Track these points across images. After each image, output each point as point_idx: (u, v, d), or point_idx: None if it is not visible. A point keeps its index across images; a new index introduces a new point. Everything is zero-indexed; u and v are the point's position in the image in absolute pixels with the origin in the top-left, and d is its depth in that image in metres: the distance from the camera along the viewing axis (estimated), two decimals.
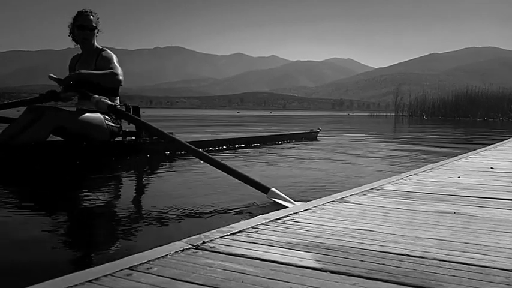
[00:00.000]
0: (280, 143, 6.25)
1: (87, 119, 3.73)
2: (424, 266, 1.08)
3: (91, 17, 3.97)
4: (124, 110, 3.85)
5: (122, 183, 3.39)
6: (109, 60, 3.90)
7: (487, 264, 1.08)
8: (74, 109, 3.89)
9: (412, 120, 26.09)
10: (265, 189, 2.43)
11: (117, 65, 3.89)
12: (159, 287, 0.93)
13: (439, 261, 1.11)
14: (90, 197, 2.68)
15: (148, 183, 3.35)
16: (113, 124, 3.93)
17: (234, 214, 2.16)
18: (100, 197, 2.75)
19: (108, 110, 3.62)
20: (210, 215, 2.19)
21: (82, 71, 3.73)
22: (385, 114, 41.13)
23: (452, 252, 1.18)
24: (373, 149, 6.20)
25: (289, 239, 1.29)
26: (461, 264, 1.08)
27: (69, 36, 4.05)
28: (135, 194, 2.93)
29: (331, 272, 1.03)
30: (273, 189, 2.38)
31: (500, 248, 1.23)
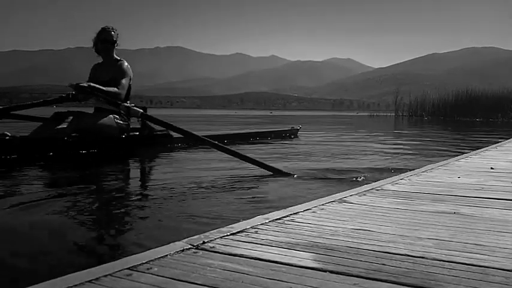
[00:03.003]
0: (258, 138, 6.63)
1: (101, 120, 4.52)
2: (423, 266, 1.08)
3: (112, 32, 4.79)
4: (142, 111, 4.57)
5: (122, 181, 3.40)
6: (122, 74, 4.71)
7: (486, 264, 1.09)
8: (92, 108, 4.75)
9: (411, 120, 26.08)
10: (288, 175, 3.33)
11: (124, 82, 4.69)
12: (159, 287, 0.93)
13: (438, 261, 1.11)
14: (87, 195, 2.67)
15: (148, 181, 3.37)
16: (121, 122, 4.68)
17: (234, 214, 2.16)
18: (99, 196, 2.75)
19: (141, 116, 4.47)
20: (210, 214, 2.19)
21: (92, 84, 4.43)
22: (385, 114, 41.12)
23: (452, 252, 1.18)
24: (346, 146, 6.48)
25: (288, 239, 1.29)
26: (460, 264, 1.09)
27: (92, 48, 4.83)
28: (135, 192, 2.93)
29: (331, 272, 1.03)
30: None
31: (499, 248, 1.23)
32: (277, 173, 3.44)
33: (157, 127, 4.86)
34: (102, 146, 4.59)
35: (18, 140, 4.13)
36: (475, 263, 1.09)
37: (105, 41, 4.77)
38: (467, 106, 30.99)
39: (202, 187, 2.97)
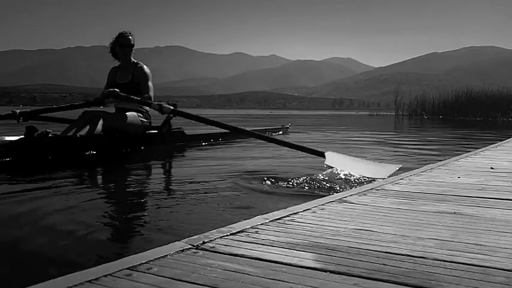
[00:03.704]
0: (243, 137, 6.80)
1: (126, 119, 4.78)
2: (424, 266, 1.08)
3: (130, 37, 5.03)
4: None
5: (123, 178, 3.40)
6: (145, 78, 4.97)
7: (487, 265, 1.08)
8: (114, 109, 4.97)
9: (411, 120, 26.08)
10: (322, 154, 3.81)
11: (151, 85, 4.97)
12: (159, 287, 0.93)
13: (439, 262, 1.10)
14: (89, 194, 2.67)
15: (151, 179, 3.38)
16: (145, 120, 4.97)
17: (234, 214, 2.15)
18: (99, 194, 2.75)
19: (172, 113, 4.73)
20: (209, 214, 2.18)
21: (121, 93, 4.59)
22: (385, 113, 41.12)
23: (453, 253, 1.18)
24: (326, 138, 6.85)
25: (289, 239, 1.29)
26: (461, 265, 1.08)
27: (109, 52, 5.07)
28: (136, 190, 2.93)
29: (331, 272, 1.02)
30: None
31: (500, 248, 1.23)
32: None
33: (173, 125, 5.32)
34: (129, 143, 4.89)
35: (63, 139, 4.38)
36: (476, 263, 1.09)
37: (123, 45, 5.01)
38: (467, 106, 30.97)
39: (203, 184, 2.96)
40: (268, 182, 2.97)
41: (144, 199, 2.73)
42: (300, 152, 4.10)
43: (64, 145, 4.31)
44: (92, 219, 2.14)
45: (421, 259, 1.12)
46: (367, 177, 3.18)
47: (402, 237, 1.33)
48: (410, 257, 1.14)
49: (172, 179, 3.41)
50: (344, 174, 3.28)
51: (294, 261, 1.09)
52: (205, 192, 2.73)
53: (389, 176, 3.01)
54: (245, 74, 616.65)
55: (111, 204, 2.58)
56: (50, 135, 4.16)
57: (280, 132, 8.11)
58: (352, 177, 3.21)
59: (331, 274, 1.01)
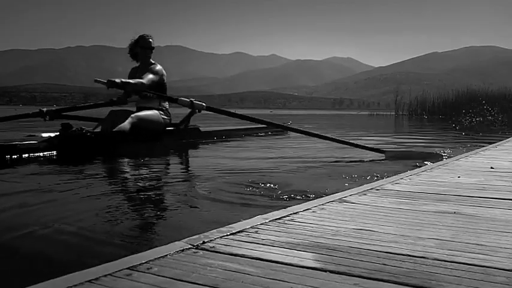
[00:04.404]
0: (254, 135, 7.29)
1: (150, 117, 5.11)
2: (424, 266, 1.07)
3: (150, 40, 5.37)
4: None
5: (126, 177, 3.42)
6: (152, 72, 5.22)
7: (488, 265, 1.08)
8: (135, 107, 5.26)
9: (411, 120, 26.08)
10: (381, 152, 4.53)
11: (151, 77, 5.14)
12: (159, 287, 0.93)
13: (440, 261, 1.10)
14: (90, 194, 2.67)
15: (154, 177, 3.39)
16: (166, 117, 5.30)
17: (234, 214, 2.15)
18: (100, 194, 2.74)
19: (206, 109, 5.06)
20: (210, 214, 2.18)
21: (124, 80, 4.86)
22: (385, 113, 41.09)
23: (453, 252, 1.18)
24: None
25: (289, 239, 1.29)
26: (462, 265, 1.08)
27: (128, 53, 5.40)
28: (137, 189, 2.92)
29: (332, 272, 1.02)
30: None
31: (501, 248, 1.23)
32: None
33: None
34: (153, 140, 5.19)
35: (101, 135, 4.72)
36: (476, 263, 1.09)
37: (144, 47, 5.34)
38: (467, 105, 30.96)
39: (204, 184, 2.96)
40: (270, 183, 2.97)
41: (145, 198, 2.73)
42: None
43: (97, 141, 4.61)
44: (92, 218, 2.14)
45: (422, 259, 1.12)
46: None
47: (402, 237, 1.33)
48: (411, 257, 1.13)
49: (176, 177, 3.41)
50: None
51: (294, 261, 1.09)
52: (206, 192, 2.73)
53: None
54: (245, 74, 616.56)
55: (111, 203, 2.58)
56: (84, 131, 4.47)
57: (279, 132, 8.42)
58: None
59: (332, 274, 1.01)
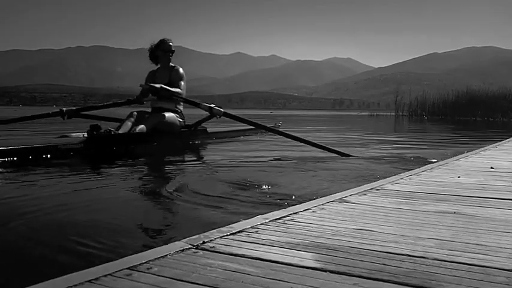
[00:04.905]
0: (248, 135, 7.53)
1: (169, 120, 5.34)
2: (424, 266, 1.07)
3: (170, 43, 5.66)
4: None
5: (128, 176, 3.42)
6: (180, 78, 5.52)
7: (487, 265, 1.08)
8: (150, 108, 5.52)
9: (411, 120, 26.08)
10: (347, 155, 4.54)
11: (183, 84, 5.49)
12: (159, 287, 0.93)
13: (439, 261, 1.10)
14: (90, 193, 2.67)
15: (156, 177, 3.41)
16: (181, 120, 5.57)
17: (234, 214, 2.15)
18: (100, 193, 2.74)
19: (224, 115, 5.24)
20: (209, 214, 2.18)
21: (164, 86, 5.17)
22: (385, 113, 41.10)
23: (453, 252, 1.18)
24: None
25: (289, 239, 1.29)
26: (462, 265, 1.08)
27: (148, 56, 5.66)
28: (137, 189, 2.93)
29: (332, 272, 1.02)
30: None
31: (501, 248, 1.23)
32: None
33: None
34: (169, 141, 5.41)
35: (125, 136, 4.89)
36: (476, 263, 1.09)
37: (166, 51, 5.62)
38: (467, 106, 30.95)
39: (205, 184, 2.96)
40: (272, 182, 2.97)
41: (145, 198, 2.73)
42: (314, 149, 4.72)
43: (123, 141, 4.84)
44: (92, 218, 2.14)
45: (422, 259, 1.12)
46: None
47: (402, 237, 1.33)
48: (411, 257, 1.13)
49: (177, 177, 3.41)
50: None
51: (294, 261, 1.09)
52: (207, 192, 2.73)
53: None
54: (245, 74, 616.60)
55: (111, 203, 2.58)
56: (112, 132, 4.66)
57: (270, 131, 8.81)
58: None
59: (332, 274, 1.01)
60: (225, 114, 5.32)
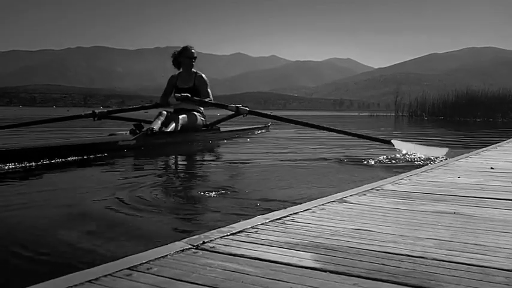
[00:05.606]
0: (257, 133, 8.30)
1: (194, 119, 5.81)
2: (423, 266, 1.08)
3: (193, 50, 6.10)
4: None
5: (129, 176, 3.42)
6: (206, 85, 5.98)
7: (486, 265, 1.09)
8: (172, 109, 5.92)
9: (411, 120, 26.08)
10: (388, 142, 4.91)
11: (210, 90, 5.98)
12: (159, 287, 0.93)
13: (438, 262, 1.11)
14: (91, 192, 2.67)
15: (157, 176, 3.41)
16: (203, 119, 6.05)
17: (234, 214, 2.15)
18: (101, 193, 2.74)
19: (249, 113, 5.60)
20: (209, 214, 2.18)
21: (196, 98, 5.68)
22: (385, 114, 41.07)
23: (452, 253, 1.18)
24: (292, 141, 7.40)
25: (289, 239, 1.29)
26: (460, 265, 1.09)
27: (171, 62, 6.13)
28: (137, 189, 2.92)
29: (331, 272, 1.03)
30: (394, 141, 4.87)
31: (499, 248, 1.23)
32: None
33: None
34: (192, 139, 5.83)
35: (165, 134, 5.27)
36: (475, 263, 1.09)
37: (188, 57, 6.05)
38: (467, 106, 30.93)
39: (205, 184, 2.97)
40: (272, 182, 2.97)
41: (145, 198, 2.73)
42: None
43: (162, 138, 5.22)
44: (91, 218, 2.15)
45: (421, 259, 1.12)
46: (429, 156, 4.28)
47: (401, 237, 1.33)
48: (410, 257, 1.14)
49: (178, 177, 3.42)
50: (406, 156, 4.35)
51: (294, 261, 1.10)
52: (207, 192, 2.73)
53: (442, 156, 4.28)
54: (245, 75, 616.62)
55: (111, 203, 2.58)
56: (154, 131, 5.06)
57: (264, 130, 9.20)
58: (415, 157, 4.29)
59: (331, 274, 1.01)
60: (250, 112, 5.71)
